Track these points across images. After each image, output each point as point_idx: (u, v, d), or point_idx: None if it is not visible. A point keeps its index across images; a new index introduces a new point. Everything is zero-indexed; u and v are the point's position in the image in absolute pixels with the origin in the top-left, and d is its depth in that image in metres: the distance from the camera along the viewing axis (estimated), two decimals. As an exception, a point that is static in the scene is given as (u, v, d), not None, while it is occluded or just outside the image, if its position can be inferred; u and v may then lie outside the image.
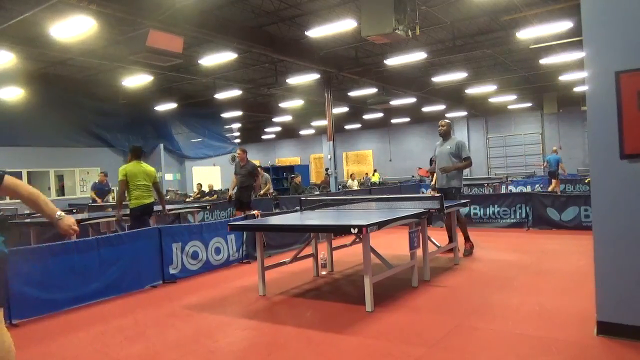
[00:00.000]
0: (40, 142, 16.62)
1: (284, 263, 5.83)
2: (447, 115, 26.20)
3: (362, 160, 31.87)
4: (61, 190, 18.36)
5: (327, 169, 19.56)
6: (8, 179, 2.56)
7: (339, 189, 17.94)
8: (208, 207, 11.04)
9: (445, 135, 7.08)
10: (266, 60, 16.18)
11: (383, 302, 4.69)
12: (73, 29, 9.27)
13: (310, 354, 3.60)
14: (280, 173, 25.13)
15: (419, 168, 25.07)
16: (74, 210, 10.88)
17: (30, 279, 4.84)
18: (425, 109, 24.58)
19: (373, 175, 25.63)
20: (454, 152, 6.87)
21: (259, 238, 5.37)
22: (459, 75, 17.32)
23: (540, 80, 20.87)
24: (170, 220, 9.72)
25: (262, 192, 9.03)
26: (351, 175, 21.82)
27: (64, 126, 17.43)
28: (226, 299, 5.32)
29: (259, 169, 9.34)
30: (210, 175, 21.78)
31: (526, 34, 12.02)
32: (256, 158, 35.86)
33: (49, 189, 17.55)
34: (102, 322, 4.60)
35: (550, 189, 14.84)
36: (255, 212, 7.51)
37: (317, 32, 11.20)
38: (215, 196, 15.89)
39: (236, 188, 9.21)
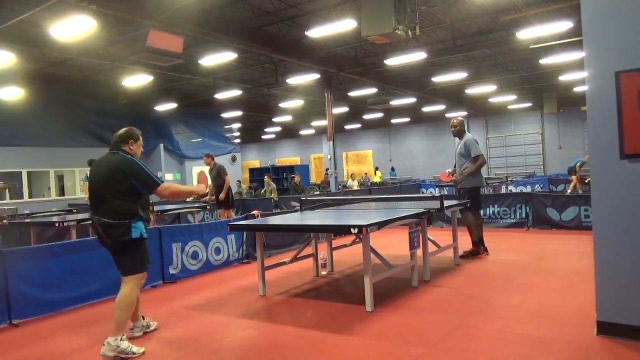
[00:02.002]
0: (40, 142, 16.60)
1: (284, 263, 5.83)
2: (447, 115, 26.22)
3: (362, 160, 31.87)
4: (61, 190, 18.34)
5: (327, 169, 19.55)
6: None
7: (339, 189, 17.94)
8: (208, 207, 11.05)
9: (460, 135, 6.78)
10: (266, 60, 16.17)
11: (383, 302, 4.69)
12: (73, 29, 9.25)
13: (310, 354, 3.60)
14: (280, 173, 25.16)
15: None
16: (74, 210, 10.87)
17: (30, 279, 4.84)
18: (425, 109, 24.57)
19: (375, 174, 25.43)
20: (463, 152, 6.64)
21: (259, 238, 5.37)
22: (459, 75, 17.30)
23: (540, 80, 20.87)
24: (170, 220, 9.73)
25: (222, 195, 9.44)
26: (351, 175, 21.80)
27: (64, 126, 17.40)
28: (226, 299, 5.32)
29: (225, 170, 9.90)
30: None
31: (526, 34, 12.00)
32: (256, 158, 35.93)
33: (49, 189, 17.53)
34: (102, 322, 4.60)
35: (571, 187, 14.55)
36: (255, 212, 7.51)
37: (317, 32, 11.19)
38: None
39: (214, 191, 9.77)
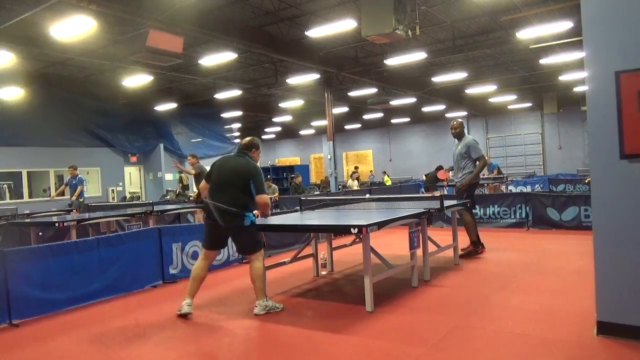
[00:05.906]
0: (40, 142, 16.61)
1: (284, 263, 5.83)
2: (447, 115, 26.22)
3: (362, 160, 31.86)
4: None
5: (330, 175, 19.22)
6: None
7: (339, 189, 17.92)
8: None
9: (459, 137, 6.86)
10: (266, 60, 16.18)
11: (383, 302, 4.69)
12: (73, 29, 9.26)
13: (310, 354, 3.60)
14: (280, 173, 25.11)
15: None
16: (74, 210, 10.87)
17: (30, 279, 4.83)
18: (425, 109, 24.57)
19: (385, 177, 24.98)
20: (463, 153, 6.70)
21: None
22: (459, 75, 17.31)
23: (540, 80, 20.87)
24: (170, 220, 9.73)
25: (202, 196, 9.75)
26: (351, 174, 21.70)
27: (64, 126, 17.42)
28: (226, 299, 5.32)
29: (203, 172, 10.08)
30: (210, 175, 21.67)
31: (526, 34, 12.01)
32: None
33: (49, 188, 17.53)
34: (102, 322, 4.60)
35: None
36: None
37: (317, 32, 11.20)
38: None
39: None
